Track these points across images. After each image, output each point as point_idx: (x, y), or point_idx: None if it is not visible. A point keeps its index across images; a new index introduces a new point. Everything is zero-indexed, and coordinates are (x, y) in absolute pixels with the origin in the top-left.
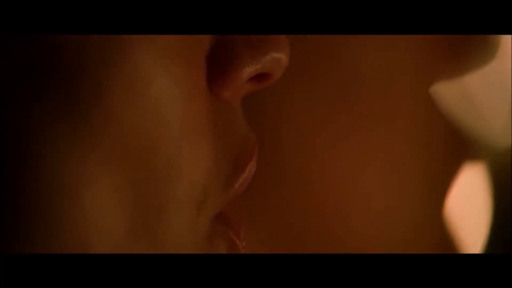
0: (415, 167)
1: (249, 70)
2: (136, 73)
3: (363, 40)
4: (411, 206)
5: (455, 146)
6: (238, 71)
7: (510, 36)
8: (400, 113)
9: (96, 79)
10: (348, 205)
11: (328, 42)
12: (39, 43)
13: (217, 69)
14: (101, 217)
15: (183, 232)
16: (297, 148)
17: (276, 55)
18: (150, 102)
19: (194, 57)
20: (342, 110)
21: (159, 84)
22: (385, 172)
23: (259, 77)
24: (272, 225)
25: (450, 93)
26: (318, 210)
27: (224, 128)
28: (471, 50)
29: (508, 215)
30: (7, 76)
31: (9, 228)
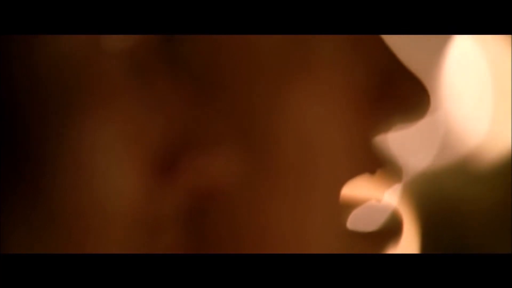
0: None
1: (187, 179)
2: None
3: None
4: None
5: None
6: (179, 179)
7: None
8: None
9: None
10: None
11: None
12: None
13: (160, 171)
14: None
15: None
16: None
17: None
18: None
19: (143, 151)
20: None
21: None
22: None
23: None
24: None
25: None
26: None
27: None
28: (405, 103)
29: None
30: None
31: None
